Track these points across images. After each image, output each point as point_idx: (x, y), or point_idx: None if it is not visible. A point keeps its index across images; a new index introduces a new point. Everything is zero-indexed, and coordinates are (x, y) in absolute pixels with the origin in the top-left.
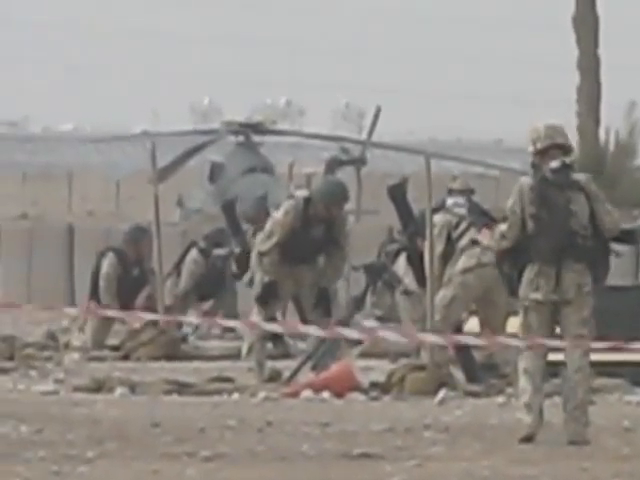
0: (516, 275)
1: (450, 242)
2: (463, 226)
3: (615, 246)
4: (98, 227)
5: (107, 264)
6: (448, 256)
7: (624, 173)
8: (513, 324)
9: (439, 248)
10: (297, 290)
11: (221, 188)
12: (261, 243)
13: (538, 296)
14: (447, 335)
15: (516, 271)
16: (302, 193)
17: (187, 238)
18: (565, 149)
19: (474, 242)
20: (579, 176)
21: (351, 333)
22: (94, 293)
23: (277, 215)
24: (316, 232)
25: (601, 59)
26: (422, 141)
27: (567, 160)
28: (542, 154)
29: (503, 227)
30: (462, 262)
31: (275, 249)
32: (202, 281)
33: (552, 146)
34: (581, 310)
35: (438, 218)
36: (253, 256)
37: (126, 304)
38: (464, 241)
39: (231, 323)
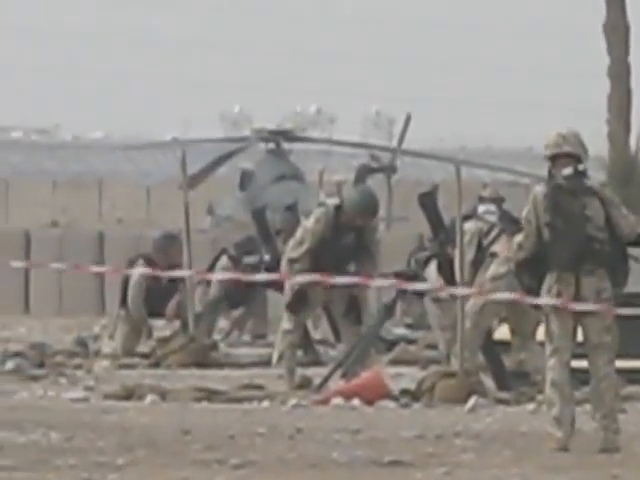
0: (536, 285)
1: (481, 249)
2: (494, 233)
3: (634, 251)
4: (128, 234)
5: (139, 271)
6: (479, 263)
7: None
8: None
9: (470, 255)
10: (327, 298)
11: (251, 195)
12: (292, 250)
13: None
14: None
15: (536, 281)
16: (333, 201)
17: (217, 245)
18: (574, 157)
19: (492, 254)
20: (592, 182)
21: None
22: (124, 300)
23: (308, 223)
24: (346, 240)
25: (632, 66)
26: (452, 149)
27: (580, 167)
28: (553, 162)
29: (519, 238)
30: (493, 269)
31: (305, 256)
32: (232, 288)
33: (560, 154)
34: (603, 317)
35: (469, 225)
36: (283, 263)
37: (155, 312)
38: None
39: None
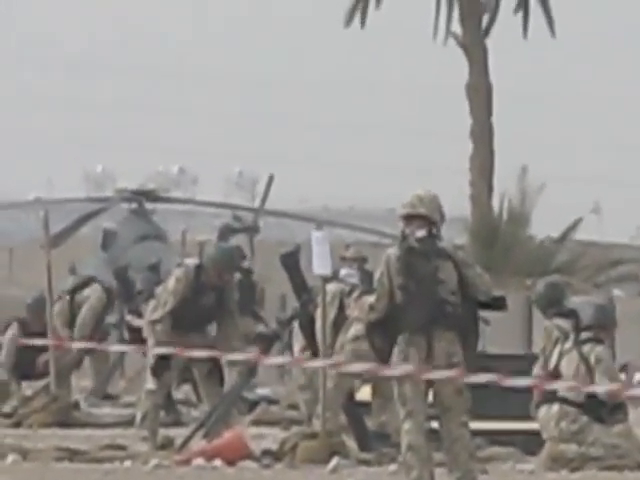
0: (388, 347)
1: (342, 310)
2: (355, 294)
3: (484, 314)
4: None
5: (10, 334)
6: (340, 324)
7: (517, 242)
8: None
9: (331, 316)
10: (190, 359)
11: (114, 255)
12: (153, 311)
13: (409, 366)
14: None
15: (388, 343)
16: (193, 261)
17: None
18: (428, 220)
19: (344, 317)
20: (445, 244)
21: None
22: None
23: (168, 283)
24: (207, 300)
25: (494, 127)
26: (315, 209)
27: (433, 230)
28: (407, 222)
29: (371, 299)
30: (354, 330)
31: (167, 317)
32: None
33: (415, 215)
34: (455, 380)
35: (331, 286)
36: (145, 325)
37: (26, 373)
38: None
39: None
